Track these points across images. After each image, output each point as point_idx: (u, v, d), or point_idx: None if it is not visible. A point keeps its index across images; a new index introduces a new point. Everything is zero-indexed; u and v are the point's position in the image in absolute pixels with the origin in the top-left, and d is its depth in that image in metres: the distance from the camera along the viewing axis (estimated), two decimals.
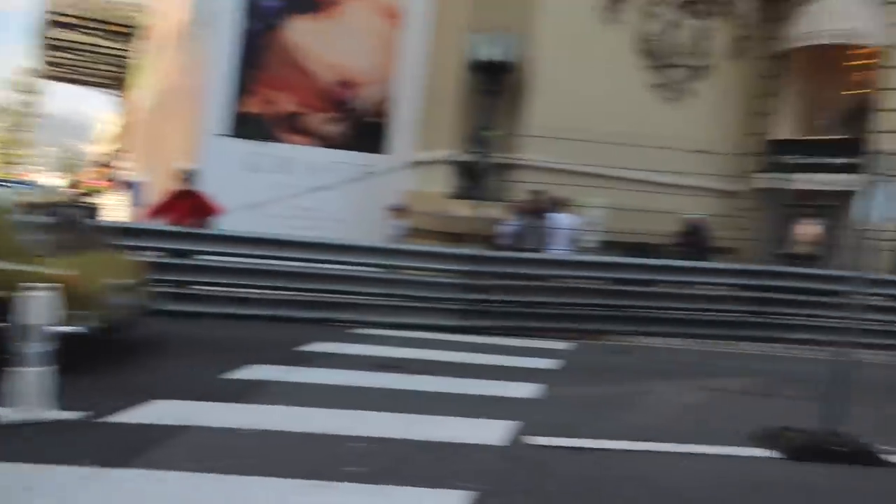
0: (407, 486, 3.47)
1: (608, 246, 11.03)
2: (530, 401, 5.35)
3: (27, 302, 4.06)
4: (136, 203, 11.41)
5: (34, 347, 4.05)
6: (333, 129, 14.26)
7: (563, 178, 11.30)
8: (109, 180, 15.22)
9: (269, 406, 4.68)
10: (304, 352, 6.48)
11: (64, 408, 4.13)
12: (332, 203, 13.00)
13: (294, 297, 8.22)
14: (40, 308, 4.10)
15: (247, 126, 13.37)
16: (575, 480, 3.78)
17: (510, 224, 9.83)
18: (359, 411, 4.62)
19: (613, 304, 8.72)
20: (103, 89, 29.62)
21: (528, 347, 7.62)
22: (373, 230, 11.05)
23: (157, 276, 7.93)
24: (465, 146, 12.52)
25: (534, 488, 3.62)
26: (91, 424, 4.09)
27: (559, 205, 9.75)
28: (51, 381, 4.09)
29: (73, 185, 16.59)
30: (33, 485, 3.26)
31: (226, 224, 9.12)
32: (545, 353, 7.23)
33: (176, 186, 9.09)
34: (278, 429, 4.19)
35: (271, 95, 13.68)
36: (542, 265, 8.99)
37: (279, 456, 3.79)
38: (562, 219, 9.63)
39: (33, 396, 4.04)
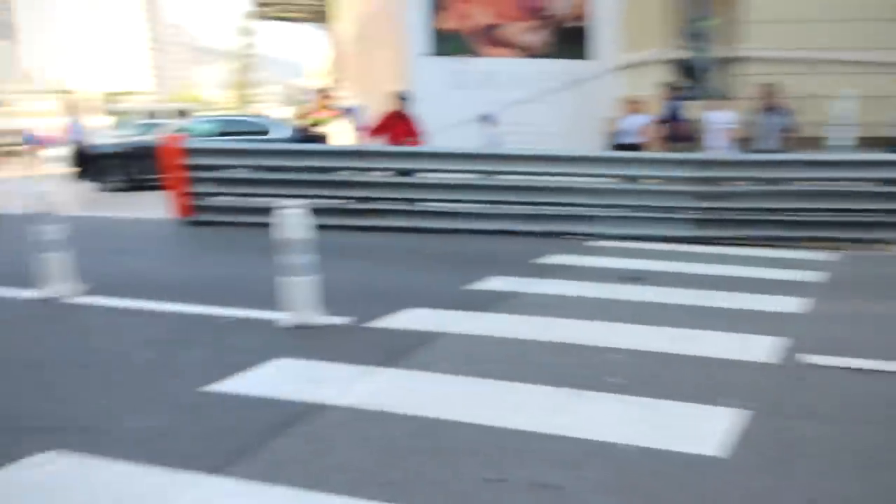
0: (673, 399, 3.29)
1: (862, 142, 9.62)
2: (797, 316, 4.85)
3: (287, 216, 4.35)
4: (357, 128, 12.00)
5: (301, 259, 4.37)
6: (533, 38, 13.73)
7: (797, 68, 9.92)
8: (330, 109, 16.32)
9: (516, 316, 4.72)
10: (542, 264, 6.47)
11: (331, 313, 4.49)
12: (540, 115, 12.66)
13: (522, 212, 8.18)
14: (301, 221, 4.38)
15: (446, 43, 13.31)
16: (859, 404, 3.34)
17: (742, 123, 8.90)
18: (609, 323, 4.49)
19: (883, 209, 7.55)
20: (312, 24, 31.33)
21: (782, 259, 6.93)
22: (583, 141, 10.60)
23: (387, 195, 8.35)
24: (678, 42, 11.40)
25: (814, 411, 3.24)
26: (356, 329, 4.41)
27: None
28: (317, 290, 4.42)
29: (301, 116, 17.92)
30: (317, 377, 3.58)
31: (438, 142, 9.28)
32: (804, 265, 6.51)
33: (390, 108, 9.35)
34: (528, 338, 4.19)
35: (465, 9, 13.44)
36: (787, 167, 8.02)
37: (534, 363, 3.79)
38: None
39: (304, 303, 4.41)
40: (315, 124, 14.47)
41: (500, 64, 13.39)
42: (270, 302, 4.78)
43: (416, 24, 13.06)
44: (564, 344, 4.07)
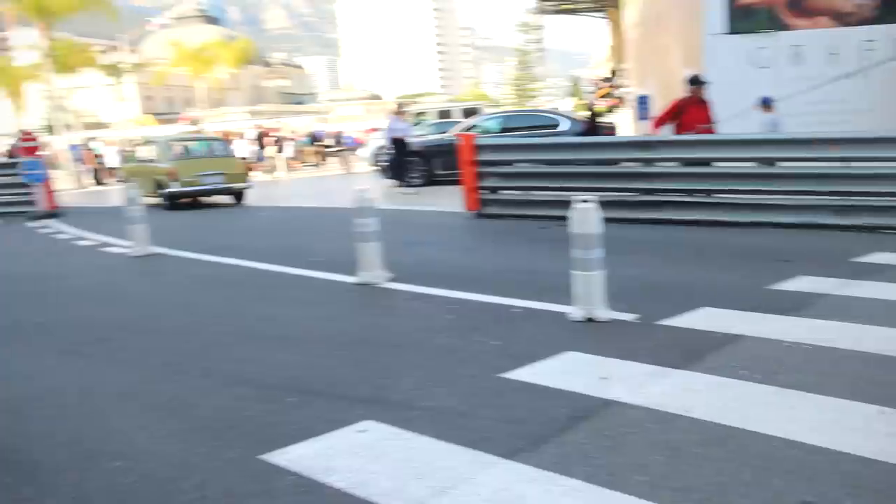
0: None
1: None
2: None
3: (580, 210, 4.35)
4: (641, 117, 11.62)
5: (591, 253, 4.34)
6: (850, 1, 11.97)
7: None
8: (614, 98, 16.07)
9: (828, 321, 4.16)
10: (858, 263, 5.65)
11: (618, 309, 4.40)
12: (851, 92, 11.01)
13: (830, 203, 7.22)
14: (592, 216, 4.35)
15: (746, 19, 12.19)
16: None
17: None
18: None
19: None
20: (594, 14, 31.18)
21: None
22: None
23: (675, 186, 7.95)
24: None
25: None
26: (646, 326, 4.26)
27: None
28: (604, 284, 4.37)
29: (583, 107, 17.95)
30: (608, 374, 3.51)
31: (733, 128, 8.54)
32: None
33: (682, 94, 8.83)
34: (841, 347, 3.68)
35: None
36: None
37: (847, 376, 3.33)
38: None
39: (593, 298, 4.38)
40: (597, 115, 14.34)
41: (809, 37, 11.94)
42: (558, 294, 4.84)
43: (712, 1, 12.19)
44: (884, 356, 3.48)
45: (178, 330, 4.92)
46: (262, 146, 22.91)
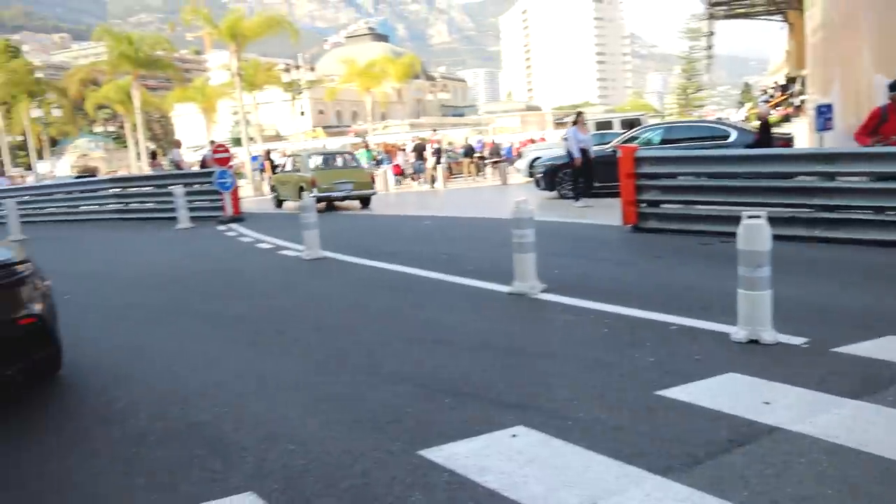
0: None
1: None
2: None
3: (748, 227, 4.16)
4: (821, 128, 10.72)
5: (758, 272, 4.14)
6: None
7: None
8: (788, 107, 14.97)
9: None
10: None
11: (785, 332, 4.17)
12: None
13: None
14: (761, 233, 4.15)
15: None
16: None
17: None
18: None
19: None
20: (769, 17, 29.20)
21: None
22: None
23: (858, 203, 7.32)
24: None
25: None
26: (815, 351, 4.00)
27: None
28: (771, 305, 4.15)
29: (755, 117, 16.89)
30: (772, 399, 3.36)
31: None
32: None
33: (877, 103, 8.04)
34: None
35: None
36: None
37: None
38: None
39: (758, 318, 4.17)
40: (770, 125, 13.45)
41: None
42: (719, 313, 4.66)
43: None
44: None
45: (346, 328, 5.30)
46: (421, 158, 23.81)
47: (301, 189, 16.11)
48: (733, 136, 13.05)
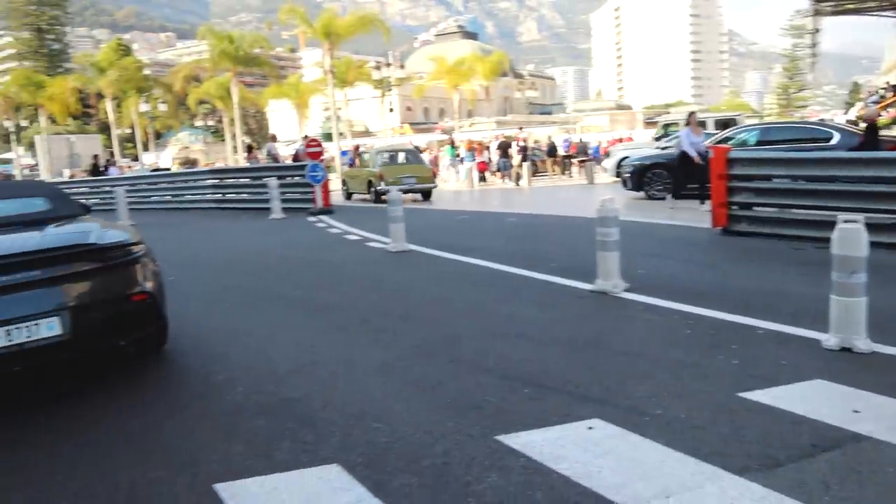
0: None
1: None
2: None
3: (844, 231, 4.04)
4: None
5: (853, 277, 4.01)
6: None
7: None
8: None
9: None
10: None
11: (879, 341, 4.03)
12: None
13: None
14: (857, 237, 4.01)
15: None
16: None
17: None
18: None
19: None
20: (883, 13, 27.45)
21: None
22: None
23: None
24: None
25: None
26: None
27: None
28: (865, 312, 4.01)
29: (862, 119, 15.93)
30: (860, 407, 3.27)
31: None
32: None
33: None
34: None
35: None
36: None
37: None
38: None
39: (851, 325, 4.04)
40: (878, 128, 12.72)
41: None
42: (810, 320, 4.54)
43: None
44: None
45: (430, 319, 5.47)
46: (506, 156, 23.83)
47: (370, 183, 17.65)
48: (836, 138, 12.43)
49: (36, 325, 3.79)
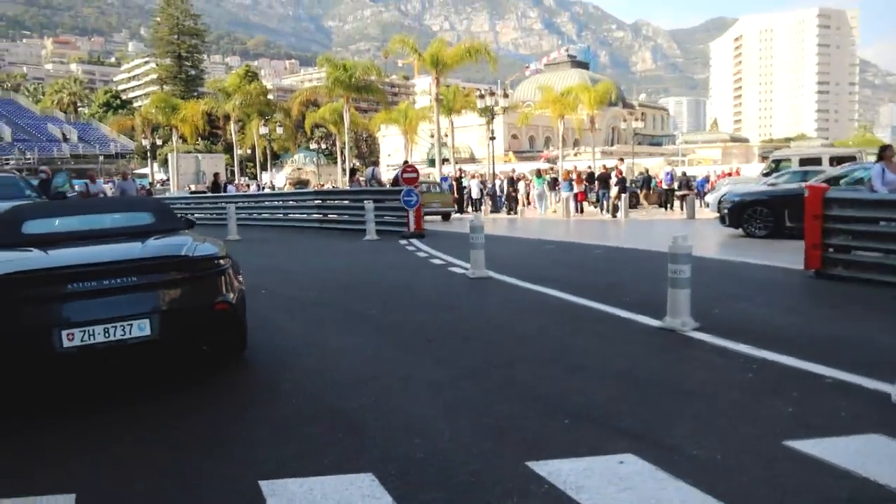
0: None
1: None
2: None
3: None
4: None
5: None
6: None
7: None
8: None
9: None
10: None
11: None
12: None
13: None
14: None
15: None
16: None
17: None
18: None
19: None
20: None
21: None
22: None
23: None
24: None
25: None
26: None
27: None
28: None
29: None
30: None
31: None
32: None
33: None
34: None
35: None
36: None
37: None
38: None
39: None
40: None
41: None
42: (887, 372, 4.32)
43: None
44: None
45: (492, 343, 5.61)
46: (606, 186, 23.55)
47: None
48: None
49: (130, 325, 4.25)
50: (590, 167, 30.43)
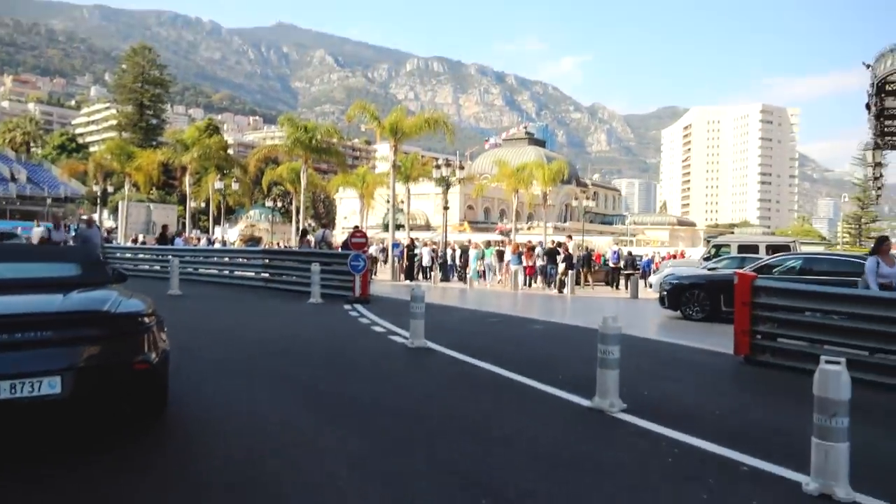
0: None
1: None
2: None
3: (825, 372, 4.01)
4: None
5: (834, 421, 3.94)
6: None
7: None
8: None
9: None
10: None
11: (862, 490, 3.90)
12: None
13: None
14: (838, 380, 3.97)
15: None
16: None
17: None
18: None
19: None
20: None
21: None
22: None
23: None
24: None
25: None
26: None
27: None
28: (846, 458, 3.91)
29: None
30: None
31: None
32: None
33: None
34: None
35: None
36: None
37: None
38: None
39: (833, 472, 3.96)
40: None
41: None
42: (802, 461, 4.40)
43: None
44: None
45: (419, 415, 5.55)
46: (553, 262, 23.95)
47: None
48: None
49: (39, 381, 4.08)
50: (541, 242, 30.97)
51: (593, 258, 28.36)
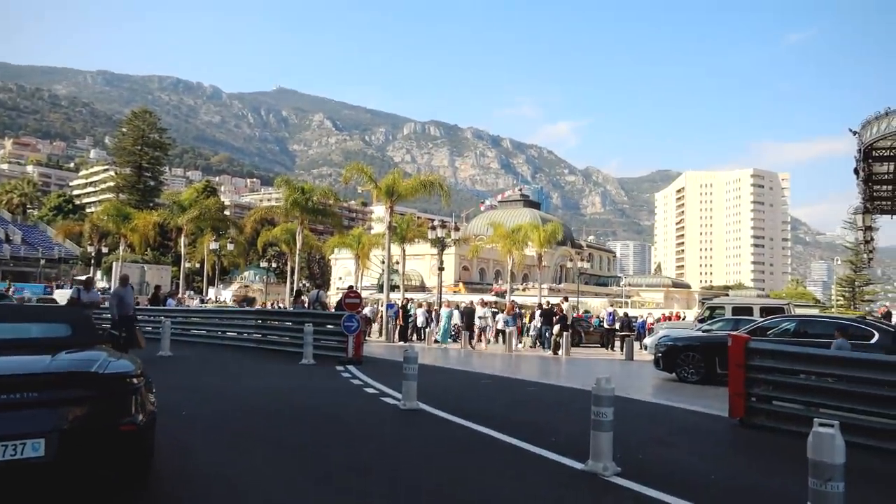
0: None
1: None
2: None
3: (819, 436, 3.98)
4: None
5: (829, 486, 3.90)
6: None
7: None
8: None
9: None
10: None
11: None
12: None
13: None
14: (832, 444, 3.95)
15: None
16: None
17: None
18: None
19: None
20: None
21: None
22: None
23: None
24: None
25: None
26: None
27: None
28: None
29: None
30: None
31: None
32: None
33: None
34: None
35: None
36: None
37: None
38: None
39: None
40: None
41: None
42: None
43: None
44: None
45: (409, 480, 5.45)
46: (549, 323, 23.86)
47: None
48: (875, 337, 12.16)
49: (22, 444, 4.01)
50: (541, 304, 30.90)
51: (590, 320, 28.20)
